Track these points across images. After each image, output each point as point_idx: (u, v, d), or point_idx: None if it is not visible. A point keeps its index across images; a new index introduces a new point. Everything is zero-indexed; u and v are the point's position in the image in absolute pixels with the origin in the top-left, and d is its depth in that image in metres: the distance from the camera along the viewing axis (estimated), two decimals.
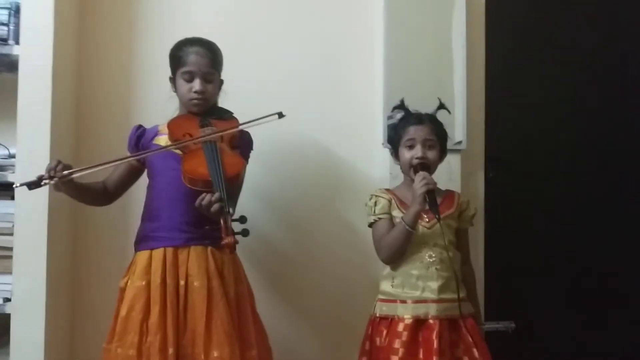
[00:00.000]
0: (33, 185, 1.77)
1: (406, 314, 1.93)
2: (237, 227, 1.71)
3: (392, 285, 1.99)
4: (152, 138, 2.01)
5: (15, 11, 2.13)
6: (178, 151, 1.91)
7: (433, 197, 1.91)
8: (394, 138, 2.08)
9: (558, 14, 2.69)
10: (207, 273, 1.86)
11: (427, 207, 1.91)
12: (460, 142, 2.39)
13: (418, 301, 1.94)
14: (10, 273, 2.07)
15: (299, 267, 2.44)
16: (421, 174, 1.93)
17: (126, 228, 2.21)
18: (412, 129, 2.01)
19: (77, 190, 1.92)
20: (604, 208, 2.68)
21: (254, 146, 2.08)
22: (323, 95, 2.49)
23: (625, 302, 2.67)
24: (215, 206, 1.70)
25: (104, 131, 2.36)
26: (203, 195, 1.73)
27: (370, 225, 2.06)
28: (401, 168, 2.09)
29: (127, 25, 2.42)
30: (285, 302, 2.43)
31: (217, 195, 1.71)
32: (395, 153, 2.09)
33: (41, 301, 2.07)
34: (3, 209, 2.12)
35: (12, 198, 2.09)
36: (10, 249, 2.07)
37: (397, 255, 1.98)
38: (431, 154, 2.01)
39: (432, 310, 1.92)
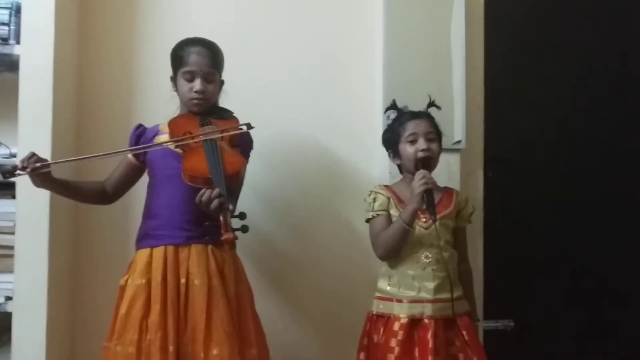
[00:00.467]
0: (7, 174, 1.77)
1: (402, 313, 1.94)
2: (236, 223, 1.71)
3: (389, 284, 2.00)
4: (153, 137, 2.01)
5: (16, 11, 2.14)
6: (178, 150, 1.91)
7: (431, 197, 1.91)
8: (392, 137, 2.08)
9: (557, 13, 2.69)
10: (207, 271, 1.86)
11: (424, 206, 1.91)
12: (459, 142, 2.39)
13: (414, 301, 1.95)
14: (12, 272, 2.08)
15: (299, 266, 2.45)
16: (421, 172, 1.94)
17: (127, 226, 2.22)
18: (412, 124, 2.02)
19: (60, 187, 1.92)
20: (604, 208, 2.68)
21: (255, 146, 2.08)
22: (323, 95, 2.49)
23: (624, 301, 2.67)
24: (215, 202, 1.70)
25: (104, 130, 2.36)
26: (203, 190, 1.74)
27: (368, 220, 2.06)
28: (402, 166, 2.09)
29: (127, 24, 2.43)
30: (285, 300, 2.44)
31: (217, 191, 1.72)
32: (393, 153, 2.09)
33: (42, 300, 2.08)
34: (4, 207, 2.13)
35: (14, 197, 2.10)
36: (12, 247, 2.08)
37: (393, 253, 1.98)
38: (434, 146, 2.01)
39: (427, 310, 1.93)
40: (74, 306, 2.34)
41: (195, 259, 1.87)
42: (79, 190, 2.02)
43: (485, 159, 2.53)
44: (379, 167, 2.43)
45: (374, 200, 2.04)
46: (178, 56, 2.00)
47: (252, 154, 2.08)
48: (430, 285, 1.95)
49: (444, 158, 2.13)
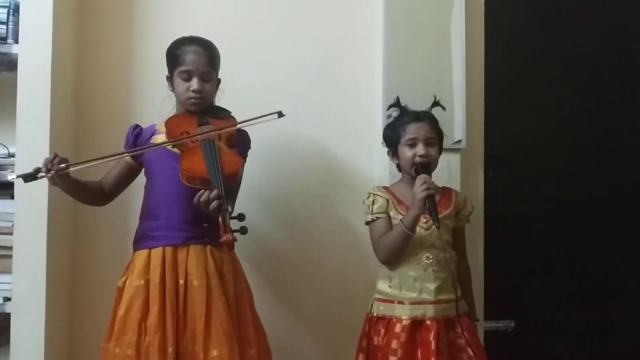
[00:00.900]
0: (29, 177, 1.77)
1: (404, 315, 1.94)
2: (235, 224, 1.71)
3: (390, 286, 1.99)
4: (150, 137, 2.01)
5: (14, 10, 2.13)
6: (176, 150, 1.90)
7: (433, 202, 1.90)
8: (392, 137, 2.07)
9: (558, 12, 2.69)
10: (206, 272, 1.86)
11: (426, 211, 1.90)
12: (459, 141, 2.38)
13: (415, 302, 1.94)
14: (10, 272, 2.07)
15: (298, 267, 2.44)
16: (422, 177, 1.92)
17: (126, 227, 2.21)
18: (413, 127, 2.01)
19: (73, 186, 1.91)
20: (604, 207, 2.68)
21: (253, 145, 2.07)
22: (322, 95, 2.48)
23: (625, 301, 2.67)
24: (214, 204, 1.70)
25: (103, 130, 2.36)
26: (201, 191, 1.73)
27: (368, 223, 2.06)
28: (400, 167, 2.09)
29: (126, 24, 2.42)
30: (284, 301, 2.43)
31: (215, 192, 1.71)
32: (393, 152, 2.09)
33: (41, 300, 2.07)
34: (3, 208, 2.12)
35: (12, 197, 2.09)
36: (10, 248, 2.08)
37: (395, 257, 1.98)
38: (432, 152, 2.01)
39: (429, 311, 1.93)
40: (72, 307, 2.34)
41: (193, 260, 1.86)
42: (86, 188, 2.01)
43: (486, 159, 2.52)
44: (379, 167, 2.42)
45: (373, 202, 2.04)
46: (174, 55, 1.99)
47: (251, 153, 2.07)
48: (432, 286, 1.94)
49: (444, 158, 2.13)
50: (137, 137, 2.02)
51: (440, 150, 2.07)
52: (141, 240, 1.93)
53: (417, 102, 2.12)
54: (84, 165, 1.87)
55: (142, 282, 1.85)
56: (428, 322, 1.92)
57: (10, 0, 2.13)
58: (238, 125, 1.94)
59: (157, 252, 1.87)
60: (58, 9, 2.13)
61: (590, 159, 2.69)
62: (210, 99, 2.03)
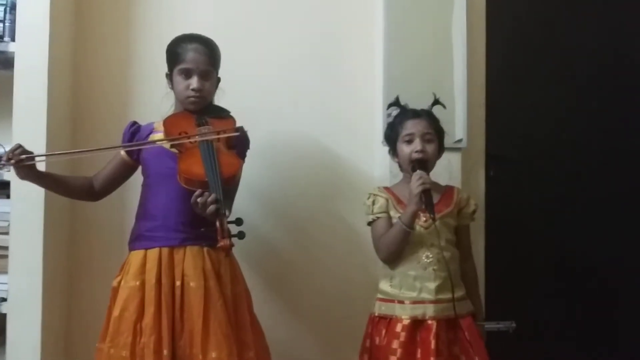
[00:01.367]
0: None
1: (404, 314, 1.93)
2: (233, 229, 1.69)
3: (391, 285, 1.99)
4: (147, 135, 1.99)
5: (11, 8, 2.13)
6: (174, 149, 1.89)
7: (429, 197, 1.90)
8: (392, 135, 2.07)
9: (559, 11, 2.68)
10: (203, 273, 1.84)
11: (423, 207, 1.90)
12: (460, 140, 2.37)
13: (416, 302, 1.94)
14: (6, 272, 2.06)
15: (297, 267, 2.43)
16: (418, 173, 1.92)
17: (123, 227, 2.19)
18: (410, 123, 2.00)
19: (46, 180, 1.91)
20: (605, 206, 2.66)
21: (252, 144, 2.05)
22: (323, 93, 2.47)
23: (626, 302, 2.66)
24: (211, 208, 1.68)
25: (100, 128, 2.34)
26: (199, 191, 1.71)
27: (369, 224, 2.05)
28: (400, 165, 2.08)
29: (123, 21, 2.40)
30: (284, 302, 2.42)
31: (213, 196, 1.69)
32: (393, 151, 2.08)
33: (37, 301, 2.06)
34: None
35: (8, 197, 2.08)
36: (6, 248, 2.07)
37: (395, 255, 1.98)
38: (430, 148, 2.00)
39: (429, 311, 1.92)
40: (68, 307, 2.33)
41: (190, 261, 1.85)
42: (66, 184, 2.00)
43: (487, 158, 2.51)
44: (379, 166, 2.41)
45: (373, 203, 2.04)
46: (174, 53, 1.97)
47: (250, 153, 2.05)
48: (432, 285, 1.93)
49: (445, 156, 2.12)
50: (134, 134, 2.01)
51: (442, 148, 2.06)
52: (137, 240, 1.91)
53: (418, 101, 2.11)
54: (50, 158, 1.89)
55: (137, 283, 1.83)
56: (429, 321, 1.91)
57: None
58: (223, 135, 1.89)
59: (153, 253, 1.85)
60: (55, 7, 2.12)
61: (591, 158, 2.68)
62: (210, 98, 2.01)
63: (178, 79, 1.95)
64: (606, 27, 2.72)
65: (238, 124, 1.93)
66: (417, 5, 2.41)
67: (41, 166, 1.91)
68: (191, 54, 1.94)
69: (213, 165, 1.76)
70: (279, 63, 2.45)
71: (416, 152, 1.97)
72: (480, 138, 2.50)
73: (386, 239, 1.97)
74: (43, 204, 2.06)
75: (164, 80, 2.03)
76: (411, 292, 1.95)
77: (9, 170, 1.82)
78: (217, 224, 1.67)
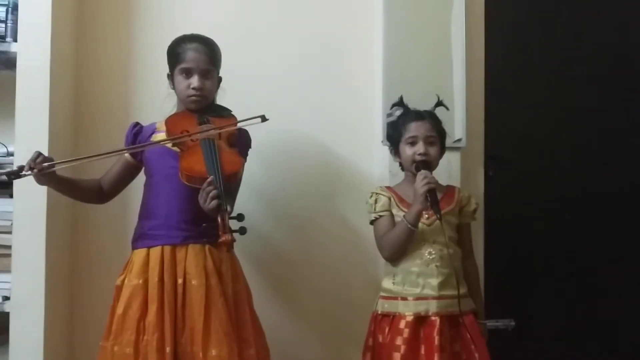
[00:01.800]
0: (13, 175, 1.78)
1: (407, 311, 1.94)
2: (234, 225, 1.70)
3: (393, 283, 2.00)
4: (150, 135, 2.00)
5: (13, 8, 2.13)
6: (176, 149, 1.90)
7: (434, 196, 1.91)
8: (394, 135, 2.08)
9: (557, 12, 2.68)
10: (205, 271, 1.85)
11: (428, 206, 1.91)
12: (459, 140, 2.38)
13: (419, 298, 1.95)
14: (9, 271, 2.07)
15: (297, 265, 2.44)
16: (422, 172, 1.94)
17: (125, 226, 2.20)
18: (413, 126, 2.02)
19: (62, 185, 1.92)
20: (604, 206, 2.67)
21: (253, 144, 2.07)
22: (322, 93, 2.48)
23: (625, 301, 2.66)
24: (213, 203, 1.69)
25: (102, 128, 2.36)
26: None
27: (372, 222, 2.06)
28: (402, 165, 2.09)
29: (125, 21, 2.41)
30: (284, 300, 2.43)
31: (214, 192, 1.70)
32: (395, 151, 2.09)
33: (40, 299, 2.07)
34: (2, 207, 2.12)
35: (11, 196, 2.09)
36: (9, 247, 2.07)
37: (398, 253, 1.99)
38: (432, 151, 2.01)
39: (432, 307, 1.93)
40: (71, 306, 2.33)
41: (192, 259, 1.86)
42: (79, 188, 2.02)
43: (486, 157, 2.52)
44: (379, 165, 2.42)
45: (376, 201, 2.04)
46: (175, 53, 1.98)
47: (250, 152, 2.06)
48: (434, 281, 1.95)
49: (444, 156, 2.13)
50: (137, 135, 2.02)
51: (443, 150, 2.07)
52: (140, 239, 1.93)
53: (417, 101, 2.12)
54: (69, 164, 1.87)
55: (140, 281, 1.84)
56: (432, 317, 1.92)
57: None
58: (224, 129, 1.91)
59: (155, 251, 1.86)
60: (57, 7, 2.13)
61: (590, 158, 2.68)
62: (211, 97, 2.03)
63: (179, 78, 1.97)
64: (605, 27, 2.72)
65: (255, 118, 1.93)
66: (417, 6, 2.42)
67: None
68: (191, 54, 1.95)
69: (215, 163, 1.78)
70: (279, 63, 2.46)
71: (419, 154, 1.99)
72: (480, 138, 2.51)
73: (390, 238, 1.98)
74: (45, 203, 2.07)
75: (166, 80, 2.04)
76: (414, 288, 1.96)
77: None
78: (219, 219, 1.68)
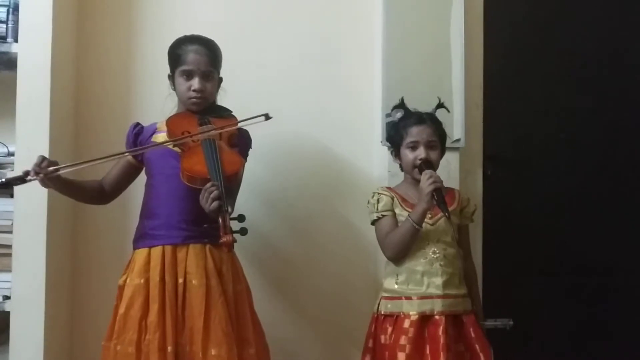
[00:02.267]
0: (18, 180, 1.79)
1: (412, 310, 1.94)
2: (235, 225, 1.71)
3: (397, 283, 1.99)
4: (150, 136, 2.01)
5: (14, 9, 2.14)
6: (177, 149, 1.90)
7: (441, 195, 1.91)
8: (395, 138, 2.08)
9: (556, 12, 2.68)
10: (205, 271, 1.86)
11: (434, 205, 1.91)
12: (458, 140, 2.39)
13: (423, 297, 1.95)
14: (10, 271, 2.08)
15: (297, 265, 2.44)
16: (427, 172, 1.94)
17: (125, 226, 2.21)
18: (415, 130, 2.01)
19: (67, 187, 1.92)
20: (603, 206, 2.67)
21: (253, 144, 2.07)
22: (322, 93, 2.48)
23: (623, 300, 2.67)
24: (214, 204, 1.70)
25: (103, 129, 2.36)
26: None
27: (373, 222, 2.06)
28: (402, 167, 2.09)
29: (126, 22, 2.42)
30: (284, 300, 2.43)
31: (215, 193, 1.71)
32: (395, 152, 2.09)
33: (40, 299, 2.07)
34: (2, 206, 2.13)
35: (12, 196, 2.10)
36: (10, 246, 2.08)
37: (402, 253, 1.98)
38: (433, 155, 2.02)
39: (437, 306, 1.93)
40: (72, 305, 2.34)
41: (193, 259, 1.86)
42: (82, 189, 2.02)
43: (485, 157, 2.52)
44: (378, 165, 2.43)
45: (378, 201, 2.04)
46: (176, 54, 1.99)
47: (250, 152, 2.07)
48: (439, 280, 1.95)
49: (443, 157, 2.13)
50: (138, 135, 2.02)
51: (443, 152, 2.08)
52: (141, 239, 1.93)
53: (416, 101, 2.12)
54: (74, 168, 1.88)
55: (142, 281, 1.85)
56: (437, 316, 1.93)
57: None
58: (237, 125, 1.93)
59: (156, 251, 1.87)
60: (58, 7, 2.14)
61: (589, 157, 2.68)
62: (212, 98, 2.03)
63: (180, 80, 1.97)
64: (604, 28, 2.72)
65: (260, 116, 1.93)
66: (416, 7, 2.42)
67: None
68: (192, 56, 1.96)
69: (215, 163, 1.78)
70: (279, 64, 2.46)
71: (420, 159, 1.99)
72: (478, 138, 2.51)
73: (394, 237, 1.98)
74: (46, 202, 2.08)
75: (166, 81, 2.04)
76: (419, 287, 1.96)
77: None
78: (220, 220, 1.69)
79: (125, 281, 1.89)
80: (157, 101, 2.13)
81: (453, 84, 2.41)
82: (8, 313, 2.07)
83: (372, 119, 2.45)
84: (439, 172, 2.06)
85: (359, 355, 2.06)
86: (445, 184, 2.13)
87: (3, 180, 1.87)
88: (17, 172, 2.01)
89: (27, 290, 2.07)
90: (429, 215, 1.98)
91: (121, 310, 1.85)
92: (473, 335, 1.95)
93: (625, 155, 2.71)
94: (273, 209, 2.44)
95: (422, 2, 2.44)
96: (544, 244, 2.62)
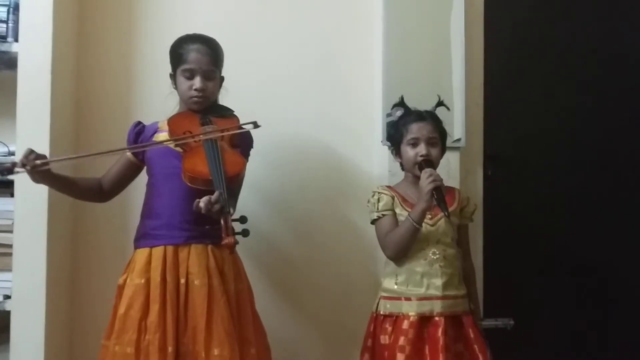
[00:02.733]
0: (6, 171, 1.79)
1: (411, 311, 1.94)
2: (237, 227, 1.71)
3: (396, 283, 1.99)
4: (152, 135, 2.00)
5: (14, 8, 2.13)
6: (178, 149, 1.90)
7: (441, 194, 1.91)
8: (395, 136, 2.08)
9: (557, 10, 2.68)
10: (207, 271, 1.86)
11: (434, 204, 1.91)
12: (459, 140, 2.39)
13: (423, 298, 1.95)
14: (10, 270, 2.08)
15: (299, 265, 2.44)
16: (427, 170, 1.93)
17: (126, 225, 2.21)
18: (415, 127, 2.02)
19: (59, 182, 1.92)
20: (604, 206, 2.67)
21: (254, 145, 2.07)
22: (322, 93, 2.48)
23: (623, 300, 2.67)
24: (216, 206, 1.69)
25: (103, 128, 2.36)
26: (197, 201, 1.70)
27: (373, 222, 2.06)
28: (402, 166, 2.09)
29: (126, 22, 2.42)
30: (285, 300, 2.44)
31: (216, 194, 1.70)
32: (395, 151, 2.10)
33: (41, 298, 2.07)
34: (3, 206, 2.13)
35: (12, 195, 2.09)
36: (10, 246, 2.08)
37: (403, 252, 1.98)
38: (434, 152, 2.02)
39: (437, 307, 1.94)
40: (72, 304, 2.34)
41: (195, 259, 1.86)
42: (77, 186, 2.01)
43: (485, 157, 2.53)
44: (378, 164, 2.43)
45: (378, 200, 2.04)
46: (177, 53, 1.99)
47: (251, 153, 2.07)
48: (439, 282, 1.95)
49: (443, 156, 2.13)
50: (139, 134, 2.02)
51: (444, 150, 2.08)
52: (142, 238, 1.93)
53: (417, 101, 2.12)
54: (62, 162, 1.88)
55: (142, 281, 1.85)
56: (436, 317, 1.93)
57: None
58: (227, 133, 1.91)
59: (158, 251, 1.87)
60: (58, 7, 2.14)
61: (589, 157, 2.68)
62: (213, 97, 2.03)
63: (181, 79, 1.97)
64: (604, 27, 2.72)
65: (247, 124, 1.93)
66: (416, 7, 2.42)
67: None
68: (193, 55, 1.95)
69: (217, 164, 1.78)
70: (279, 64, 2.46)
71: (421, 156, 1.99)
72: (479, 138, 2.52)
73: (394, 237, 1.98)
74: (47, 202, 2.08)
75: (167, 80, 2.04)
76: (418, 288, 1.96)
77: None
78: (222, 221, 1.68)
79: (125, 281, 1.89)
80: (157, 101, 2.13)
81: (453, 84, 2.41)
82: (8, 312, 2.07)
83: (372, 119, 2.46)
84: (440, 171, 2.06)
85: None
86: (446, 184, 2.14)
87: None
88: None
89: (28, 289, 2.07)
90: (429, 216, 1.98)
91: (121, 310, 1.85)
92: (472, 335, 1.96)
93: (625, 155, 2.71)
94: (274, 209, 2.44)
95: (422, 2, 2.44)
96: (544, 244, 2.62)
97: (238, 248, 1.77)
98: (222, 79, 2.05)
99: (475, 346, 1.94)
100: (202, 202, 1.69)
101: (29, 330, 2.06)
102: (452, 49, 2.42)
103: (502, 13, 2.57)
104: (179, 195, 1.86)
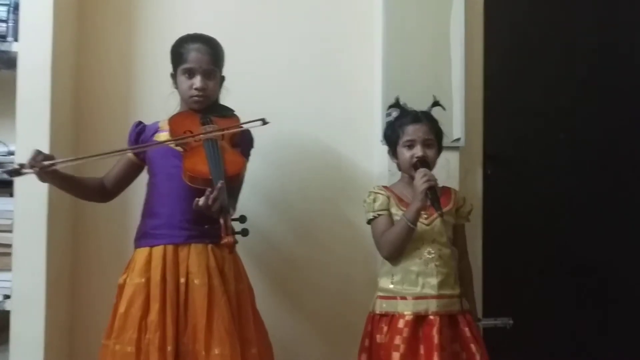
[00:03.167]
0: (14, 173, 1.79)
1: (407, 310, 1.95)
2: (237, 226, 1.71)
3: (392, 282, 2.00)
4: (153, 134, 2.00)
5: (14, 8, 2.13)
6: (179, 148, 1.90)
7: (435, 194, 1.91)
8: (391, 137, 2.08)
9: (557, 10, 2.68)
10: (207, 271, 1.86)
11: (428, 203, 1.92)
12: (458, 140, 2.39)
13: (418, 297, 1.95)
14: (10, 270, 2.07)
15: (298, 264, 2.44)
16: (422, 170, 1.94)
17: (126, 225, 2.21)
18: (411, 129, 2.02)
19: (65, 183, 1.92)
20: (603, 206, 2.67)
21: (253, 144, 2.07)
22: (322, 92, 2.49)
23: (622, 299, 2.67)
24: (216, 204, 1.69)
25: (103, 128, 2.36)
26: (205, 197, 1.71)
27: (369, 222, 2.07)
28: (399, 166, 2.10)
29: (126, 21, 2.42)
30: (285, 299, 2.44)
31: (216, 193, 1.70)
32: (392, 152, 2.10)
33: (41, 298, 2.07)
34: (2, 205, 2.13)
35: (12, 195, 2.09)
36: (10, 246, 2.08)
37: (398, 252, 1.99)
38: (430, 153, 2.02)
39: (432, 306, 1.94)
40: (72, 304, 2.34)
41: (195, 259, 1.86)
42: (82, 186, 2.01)
43: (485, 157, 2.53)
44: (378, 164, 2.43)
45: (374, 200, 2.05)
46: (178, 53, 1.99)
47: (252, 152, 2.07)
48: (434, 281, 1.95)
49: (443, 156, 2.14)
50: (140, 134, 2.02)
51: (440, 150, 2.08)
52: (142, 238, 1.93)
53: (416, 100, 2.13)
54: (70, 163, 1.88)
55: (143, 280, 1.85)
56: (431, 317, 1.93)
57: None
58: (228, 131, 1.91)
59: (158, 251, 1.87)
60: (58, 6, 2.14)
61: (589, 157, 2.69)
62: (214, 97, 2.03)
63: (182, 78, 1.97)
64: (604, 27, 2.73)
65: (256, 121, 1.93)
66: (416, 6, 2.43)
67: None
68: (194, 54, 1.96)
69: (217, 164, 1.78)
70: (279, 63, 2.46)
71: (417, 157, 1.99)
72: (478, 137, 2.52)
73: (389, 236, 1.98)
74: (47, 201, 2.07)
75: (167, 79, 2.04)
76: (414, 287, 1.96)
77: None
78: (221, 221, 1.68)
79: (125, 280, 1.89)
80: (157, 101, 2.13)
81: (453, 83, 2.42)
82: (8, 312, 2.06)
83: (372, 118, 2.46)
84: (438, 171, 2.07)
85: None
86: (445, 184, 2.15)
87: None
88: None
89: (28, 289, 2.06)
90: (425, 216, 1.98)
91: (121, 309, 1.85)
92: (469, 334, 1.96)
93: (625, 155, 2.71)
94: (274, 208, 2.44)
95: (422, 2, 2.45)
96: (544, 244, 2.63)
97: (238, 248, 1.77)
98: (222, 78, 2.05)
99: (472, 345, 1.94)
100: (202, 200, 1.69)
101: (28, 330, 2.06)
102: (452, 48, 2.43)
103: (502, 13, 2.58)
104: (179, 194, 1.86)
